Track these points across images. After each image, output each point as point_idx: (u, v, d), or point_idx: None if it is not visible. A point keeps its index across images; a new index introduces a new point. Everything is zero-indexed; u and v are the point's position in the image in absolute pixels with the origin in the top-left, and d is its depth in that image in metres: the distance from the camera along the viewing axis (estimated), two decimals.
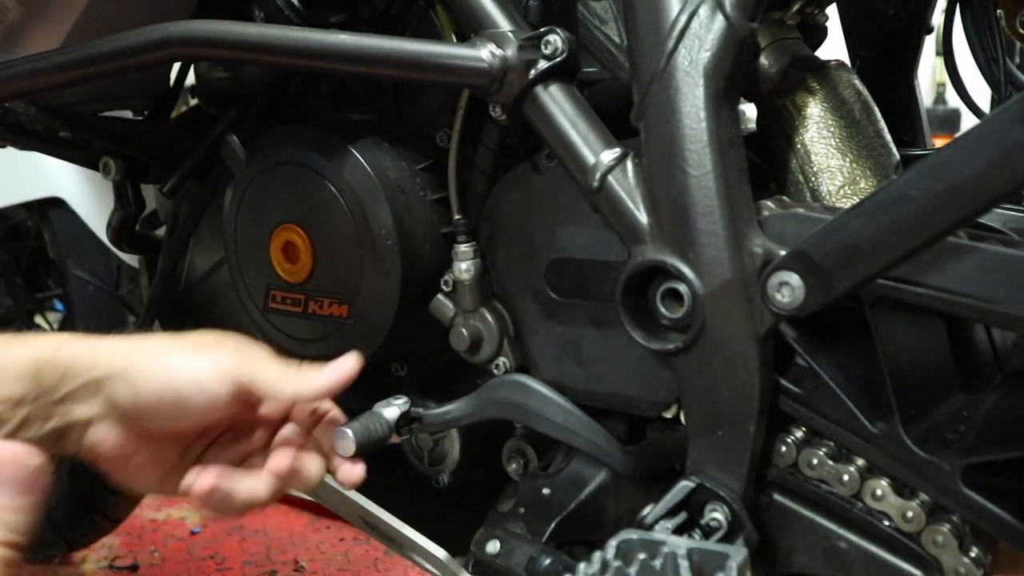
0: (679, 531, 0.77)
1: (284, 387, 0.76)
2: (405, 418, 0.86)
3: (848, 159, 0.89)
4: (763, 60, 0.87)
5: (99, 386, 0.72)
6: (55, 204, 1.55)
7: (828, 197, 0.88)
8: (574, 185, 0.83)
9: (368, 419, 0.83)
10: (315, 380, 0.77)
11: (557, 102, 0.84)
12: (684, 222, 0.76)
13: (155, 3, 1.07)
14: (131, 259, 1.47)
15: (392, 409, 0.86)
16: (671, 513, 0.78)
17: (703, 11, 0.75)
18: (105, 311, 1.62)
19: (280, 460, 0.76)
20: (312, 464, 0.79)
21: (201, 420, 0.74)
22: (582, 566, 0.67)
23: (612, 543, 0.67)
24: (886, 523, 0.77)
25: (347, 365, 0.77)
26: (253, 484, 0.75)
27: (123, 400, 0.72)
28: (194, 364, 0.73)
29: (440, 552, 1.01)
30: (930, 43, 1.19)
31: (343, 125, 1.03)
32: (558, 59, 0.83)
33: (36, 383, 0.71)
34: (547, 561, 0.89)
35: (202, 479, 0.74)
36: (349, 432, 0.79)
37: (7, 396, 0.70)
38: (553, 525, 0.92)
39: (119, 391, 0.72)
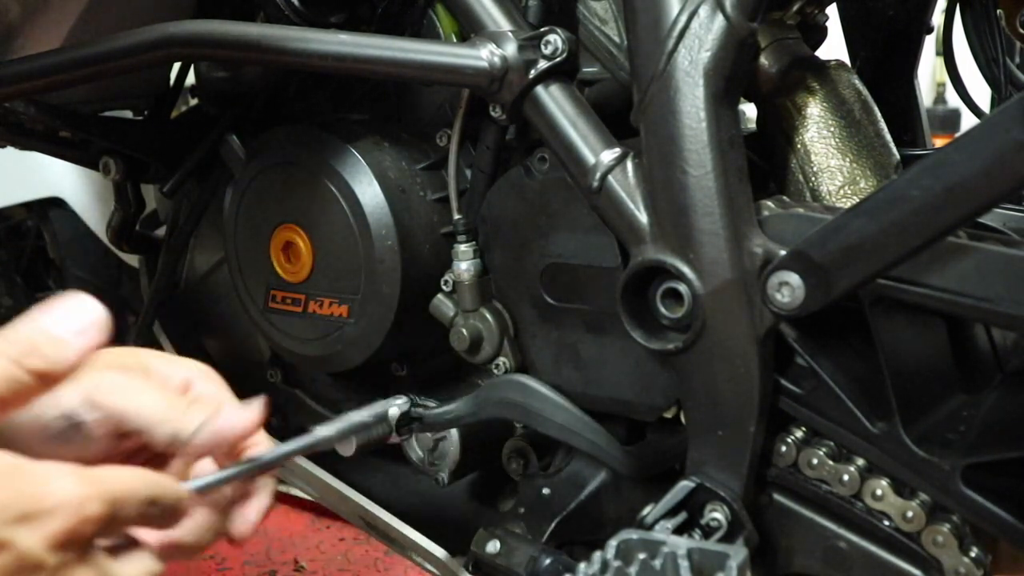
0: (679, 531, 0.77)
1: (163, 427, 0.60)
2: (405, 418, 0.86)
3: (848, 159, 0.89)
4: (763, 60, 0.87)
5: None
6: (55, 204, 1.55)
7: (828, 197, 0.88)
8: (565, 190, 0.83)
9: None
10: (211, 424, 0.60)
11: (557, 102, 0.84)
12: (684, 222, 0.76)
13: (155, 3, 1.07)
14: (131, 259, 1.47)
15: (392, 409, 0.86)
16: (671, 513, 0.78)
17: (703, 11, 0.75)
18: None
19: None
20: (200, 524, 0.61)
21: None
22: (582, 566, 0.67)
23: (612, 543, 0.66)
24: (886, 523, 0.77)
25: (255, 412, 0.61)
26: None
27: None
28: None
29: (440, 552, 1.01)
30: (930, 43, 1.19)
31: (343, 125, 1.03)
32: (558, 59, 0.83)
33: None
34: (547, 561, 0.89)
35: None
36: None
37: None
38: (553, 525, 0.92)
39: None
